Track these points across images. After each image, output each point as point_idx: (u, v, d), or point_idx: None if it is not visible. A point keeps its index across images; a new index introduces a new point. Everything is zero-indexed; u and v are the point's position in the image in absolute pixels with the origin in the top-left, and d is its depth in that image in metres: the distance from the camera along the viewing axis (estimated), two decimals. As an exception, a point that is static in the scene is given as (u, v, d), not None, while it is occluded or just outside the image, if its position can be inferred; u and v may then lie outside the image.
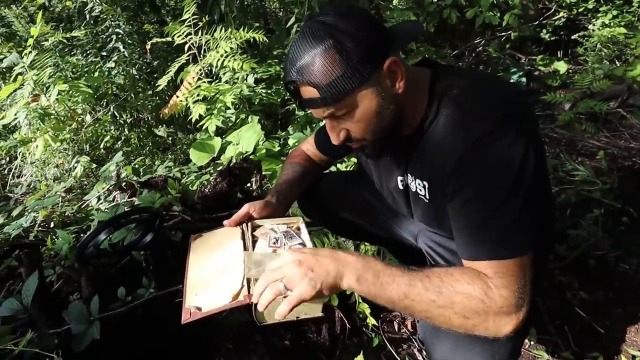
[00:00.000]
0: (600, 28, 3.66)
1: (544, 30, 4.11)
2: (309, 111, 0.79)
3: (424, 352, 1.20)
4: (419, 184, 0.86)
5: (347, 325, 1.22)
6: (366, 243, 1.43)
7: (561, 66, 3.82)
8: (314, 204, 1.25)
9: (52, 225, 1.65)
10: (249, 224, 0.97)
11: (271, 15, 3.07)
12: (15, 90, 2.41)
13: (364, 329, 1.27)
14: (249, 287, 0.76)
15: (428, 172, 0.81)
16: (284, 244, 0.90)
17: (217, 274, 0.82)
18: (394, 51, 0.72)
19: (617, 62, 3.62)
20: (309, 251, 0.76)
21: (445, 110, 0.75)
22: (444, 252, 0.98)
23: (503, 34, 3.93)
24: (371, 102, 0.73)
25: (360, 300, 1.27)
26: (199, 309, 0.73)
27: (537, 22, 3.96)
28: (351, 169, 1.88)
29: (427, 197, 0.85)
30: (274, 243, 0.90)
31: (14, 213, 1.68)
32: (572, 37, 3.99)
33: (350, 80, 0.69)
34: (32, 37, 1.91)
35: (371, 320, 1.26)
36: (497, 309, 0.67)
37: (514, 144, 0.67)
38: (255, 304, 0.72)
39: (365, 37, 0.69)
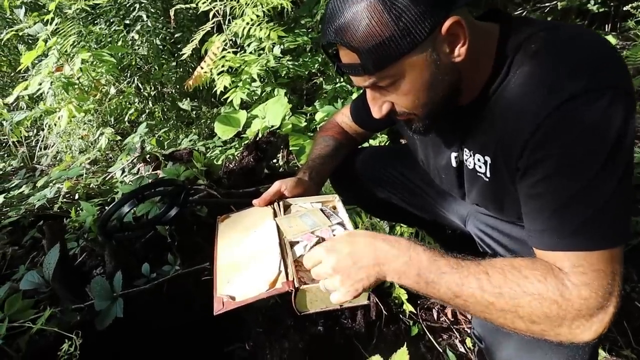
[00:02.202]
0: (659, -3, 3.30)
1: (592, 1, 3.75)
2: (350, 78, 0.67)
3: (476, 342, 1.10)
4: (478, 160, 0.73)
5: (384, 311, 1.13)
6: (403, 225, 1.32)
7: (610, 40, 3.51)
8: (348, 182, 1.14)
9: (76, 197, 1.62)
10: (281, 203, 0.88)
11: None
12: (39, 60, 2.38)
13: (401, 316, 1.18)
14: (287, 273, 0.67)
15: (493, 145, 0.68)
16: (322, 226, 0.81)
17: (249, 258, 0.73)
18: (458, 6, 0.58)
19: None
20: (345, 250, 0.65)
21: (521, 68, 0.61)
22: (503, 239, 0.86)
23: (547, 4, 3.61)
24: (422, 72, 0.61)
25: (397, 285, 1.18)
26: (233, 298, 0.65)
27: (586, -8, 3.61)
28: (386, 143, 1.76)
29: (489, 175, 0.72)
30: (310, 225, 0.80)
31: (39, 184, 1.66)
32: (624, 9, 3.63)
33: (398, 45, 0.57)
34: (53, 0, 1.84)
35: (408, 307, 1.17)
36: (574, 313, 0.54)
37: (612, 109, 0.54)
38: (296, 291, 0.64)
39: None
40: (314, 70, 2.52)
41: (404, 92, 0.64)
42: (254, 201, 0.89)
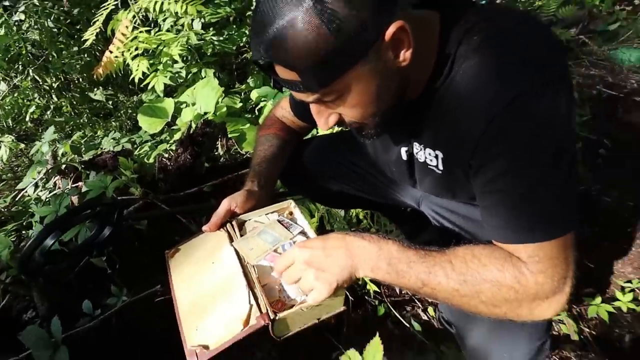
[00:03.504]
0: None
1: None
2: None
3: (444, 325, 1.16)
4: (429, 154, 0.72)
5: (349, 297, 1.15)
6: (358, 209, 1.32)
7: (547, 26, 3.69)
8: (297, 179, 1.10)
9: (-17, 225, 1.38)
10: (234, 222, 0.81)
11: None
12: None
13: (366, 297, 1.21)
14: (258, 305, 0.62)
15: (444, 140, 0.67)
16: (283, 240, 0.76)
17: (213, 296, 0.67)
18: (402, 7, 0.54)
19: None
20: (318, 245, 0.65)
21: (466, 62, 0.58)
22: (457, 219, 0.88)
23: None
24: (369, 83, 0.57)
25: (368, 280, 1.19)
26: (206, 347, 0.59)
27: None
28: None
29: (441, 168, 0.72)
30: (272, 242, 0.75)
31: None
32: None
33: (341, 60, 0.52)
34: None
35: (372, 287, 1.19)
36: (531, 296, 0.58)
37: (557, 101, 0.54)
38: (273, 321, 0.60)
39: None
40: (242, 44, 2.34)
41: (351, 104, 0.60)
42: (204, 227, 0.80)
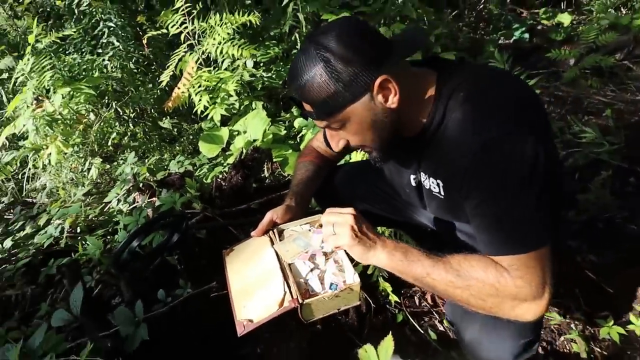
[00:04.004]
0: (605, -26, 3.50)
1: (546, -20, 3.94)
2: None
3: (450, 326, 1.28)
4: (432, 182, 0.89)
5: (372, 304, 1.30)
6: (384, 227, 1.49)
7: (565, 18, 3.70)
8: (329, 198, 1.29)
9: (78, 230, 1.72)
10: (275, 230, 1.02)
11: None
12: (13, 95, 2.40)
13: (388, 306, 1.36)
14: (291, 292, 0.82)
15: (442, 172, 0.85)
16: (312, 245, 0.96)
17: (257, 283, 0.88)
18: (389, 66, 0.75)
19: (623, 10, 3.50)
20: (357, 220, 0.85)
21: (454, 114, 0.77)
22: (462, 236, 1.03)
23: (503, -14, 3.78)
24: (363, 117, 0.78)
25: (382, 280, 1.35)
26: (250, 320, 0.80)
27: (538, -27, 3.80)
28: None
29: (443, 194, 0.89)
30: (303, 247, 0.95)
31: (41, 222, 1.75)
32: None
33: (340, 99, 0.75)
34: (29, 44, 1.88)
35: (393, 297, 1.34)
36: (511, 296, 0.72)
37: (525, 143, 0.70)
38: (301, 305, 0.80)
39: (356, 57, 0.73)
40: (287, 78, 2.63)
41: (352, 132, 0.82)
42: (252, 232, 1.03)
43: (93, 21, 2.42)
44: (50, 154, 1.90)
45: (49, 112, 2.00)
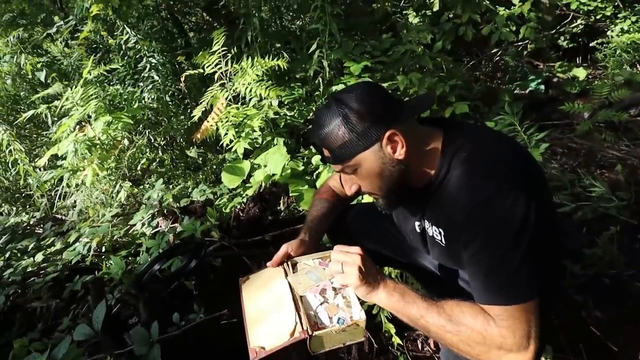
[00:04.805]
0: (620, 34, 3.64)
1: (562, 38, 4.11)
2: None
3: None
4: (435, 230, 0.97)
5: (375, 344, 1.34)
6: (390, 267, 1.55)
7: (580, 72, 3.80)
8: (341, 235, 1.38)
9: (103, 249, 1.84)
10: (289, 262, 1.11)
11: (293, 36, 3.22)
12: (58, 118, 2.64)
13: (390, 347, 1.39)
14: (302, 323, 0.89)
15: (443, 221, 0.93)
16: (324, 279, 1.04)
17: (270, 312, 0.96)
18: (398, 123, 0.86)
19: (637, 67, 3.60)
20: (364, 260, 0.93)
21: (455, 171, 0.86)
22: (461, 283, 1.09)
23: (520, 43, 3.95)
24: (373, 165, 0.89)
25: (386, 321, 1.39)
26: (263, 347, 0.87)
27: (554, 30, 3.97)
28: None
29: (444, 242, 0.96)
30: (315, 280, 1.03)
31: (70, 239, 1.88)
32: (591, 45, 3.97)
33: (353, 147, 0.87)
34: (82, 77, 2.11)
35: (396, 340, 1.37)
36: (497, 345, 0.78)
37: (516, 202, 0.77)
38: (310, 337, 0.87)
39: (369, 113, 0.85)
40: (309, 117, 2.80)
41: (363, 177, 0.92)
42: (268, 264, 1.11)
43: (137, 57, 2.67)
44: (86, 175, 2.06)
45: (90, 137, 2.19)
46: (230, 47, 2.44)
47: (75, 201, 2.47)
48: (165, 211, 1.86)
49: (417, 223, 1.05)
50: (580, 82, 3.68)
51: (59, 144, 2.14)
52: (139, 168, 2.79)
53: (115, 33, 2.46)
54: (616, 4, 3.70)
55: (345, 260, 0.93)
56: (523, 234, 0.78)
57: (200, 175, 2.81)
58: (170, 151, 2.94)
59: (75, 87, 2.20)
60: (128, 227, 1.97)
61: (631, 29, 3.62)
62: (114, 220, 2.11)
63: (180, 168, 2.85)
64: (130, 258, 1.80)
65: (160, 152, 2.91)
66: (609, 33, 3.80)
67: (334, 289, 1.02)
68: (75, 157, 2.38)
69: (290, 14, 2.90)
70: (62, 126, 2.11)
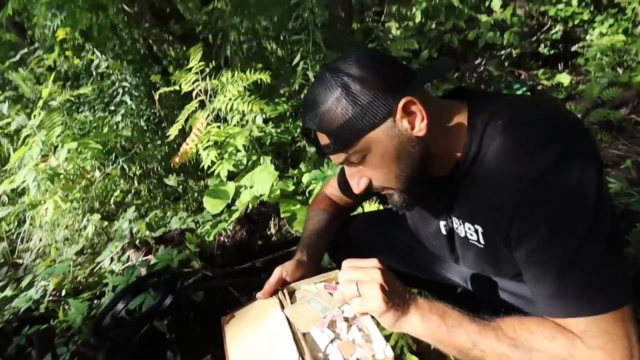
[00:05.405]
0: (599, 37, 3.67)
1: (542, 45, 4.13)
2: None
3: None
4: (469, 229, 0.76)
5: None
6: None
7: (564, 78, 3.80)
8: (344, 252, 1.14)
9: (63, 293, 1.55)
10: (285, 289, 0.87)
11: (272, 56, 3.11)
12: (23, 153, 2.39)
13: (415, 385, 1.13)
14: None
15: (481, 215, 0.71)
16: (331, 308, 0.80)
17: (263, 356, 0.71)
18: (412, 90, 0.66)
19: (619, 69, 3.60)
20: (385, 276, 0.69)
21: (493, 144, 0.66)
22: (506, 296, 0.86)
23: (502, 52, 3.94)
24: (386, 146, 0.67)
25: (409, 354, 1.13)
26: None
27: (534, 38, 3.99)
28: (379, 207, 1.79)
29: (482, 242, 0.75)
30: (321, 310, 0.79)
31: (23, 283, 1.59)
32: (571, 49, 4.00)
33: (359, 124, 0.65)
34: (41, 98, 1.90)
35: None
36: None
37: (584, 175, 0.58)
38: None
39: (374, 78, 0.65)
40: (296, 135, 2.62)
41: (374, 165, 0.70)
42: (258, 294, 0.87)
43: (109, 82, 2.49)
44: (47, 209, 1.80)
45: (52, 167, 1.95)
46: (208, 62, 2.28)
47: (38, 241, 2.17)
48: (137, 242, 1.60)
49: (442, 223, 0.83)
50: (566, 88, 3.66)
51: (15, 175, 1.88)
52: (112, 202, 2.53)
53: (82, 54, 2.28)
54: (591, 9, 3.76)
55: (361, 278, 0.69)
56: (600, 215, 0.58)
57: (181, 205, 2.56)
58: (147, 181, 2.69)
59: (35, 112, 1.98)
60: (95, 265, 1.69)
61: (609, 32, 3.65)
62: (79, 259, 1.83)
63: (159, 197, 2.60)
64: (95, 301, 1.51)
65: (136, 182, 2.66)
66: (588, 37, 3.83)
67: (346, 319, 0.78)
68: (38, 191, 2.12)
69: (270, 32, 2.79)
70: (17, 153, 1.86)
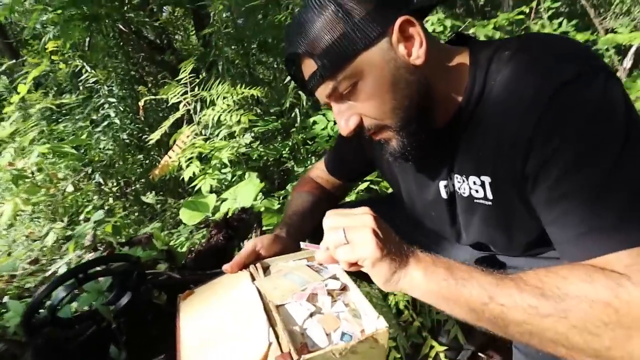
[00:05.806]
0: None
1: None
2: (316, 94, 0.65)
3: None
4: (474, 183, 0.66)
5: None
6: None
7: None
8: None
9: (5, 299, 1.33)
10: (258, 264, 0.73)
11: (264, 76, 3.14)
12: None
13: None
14: (279, 344, 0.51)
15: (490, 161, 0.62)
16: (312, 281, 0.66)
17: (226, 333, 0.56)
18: (411, 12, 0.59)
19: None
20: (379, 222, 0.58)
21: (500, 74, 0.58)
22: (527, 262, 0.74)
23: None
24: (381, 69, 0.59)
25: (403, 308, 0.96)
26: None
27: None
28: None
29: (490, 197, 0.65)
30: (299, 283, 0.66)
31: (-40, 287, 1.37)
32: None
33: (350, 43, 0.57)
34: (18, 93, 1.81)
35: (437, 347, 0.93)
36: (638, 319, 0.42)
37: (610, 86, 0.50)
38: None
39: None
40: (284, 154, 2.54)
41: (367, 94, 0.61)
42: (225, 267, 0.73)
43: (93, 93, 2.43)
44: (3, 211, 1.62)
45: (18, 168, 1.80)
46: (198, 74, 2.25)
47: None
48: (97, 245, 1.42)
49: (442, 184, 0.73)
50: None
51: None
52: (82, 218, 2.34)
53: (70, 62, 2.24)
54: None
55: (350, 224, 0.57)
56: (631, 124, 0.49)
57: (157, 224, 2.39)
58: (124, 199, 2.54)
59: (8, 109, 1.87)
60: (46, 271, 1.49)
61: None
62: (33, 267, 1.62)
63: (134, 216, 2.43)
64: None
65: (111, 199, 2.50)
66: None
67: (330, 293, 0.65)
68: (1, 196, 1.95)
69: (263, 57, 2.83)
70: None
